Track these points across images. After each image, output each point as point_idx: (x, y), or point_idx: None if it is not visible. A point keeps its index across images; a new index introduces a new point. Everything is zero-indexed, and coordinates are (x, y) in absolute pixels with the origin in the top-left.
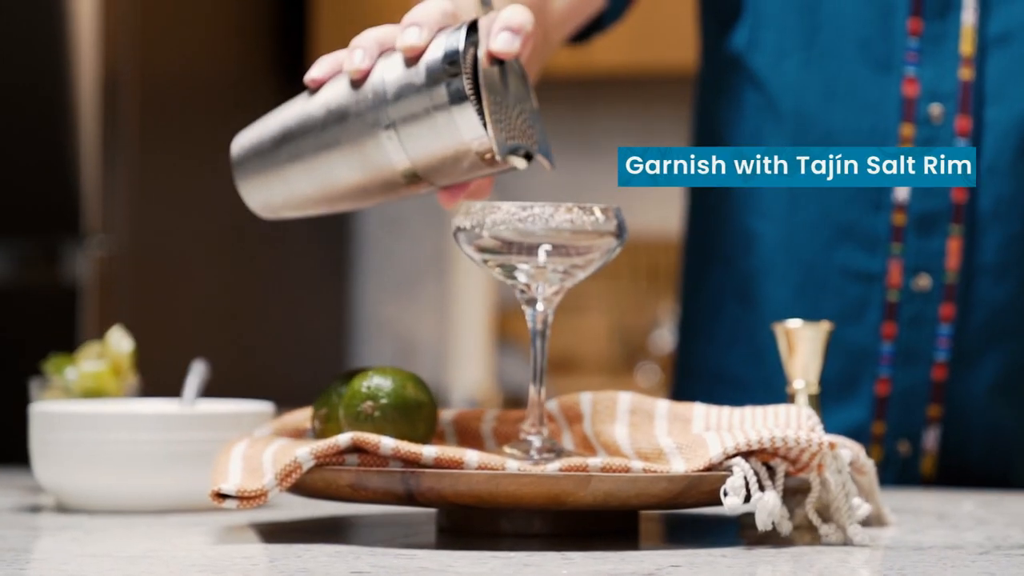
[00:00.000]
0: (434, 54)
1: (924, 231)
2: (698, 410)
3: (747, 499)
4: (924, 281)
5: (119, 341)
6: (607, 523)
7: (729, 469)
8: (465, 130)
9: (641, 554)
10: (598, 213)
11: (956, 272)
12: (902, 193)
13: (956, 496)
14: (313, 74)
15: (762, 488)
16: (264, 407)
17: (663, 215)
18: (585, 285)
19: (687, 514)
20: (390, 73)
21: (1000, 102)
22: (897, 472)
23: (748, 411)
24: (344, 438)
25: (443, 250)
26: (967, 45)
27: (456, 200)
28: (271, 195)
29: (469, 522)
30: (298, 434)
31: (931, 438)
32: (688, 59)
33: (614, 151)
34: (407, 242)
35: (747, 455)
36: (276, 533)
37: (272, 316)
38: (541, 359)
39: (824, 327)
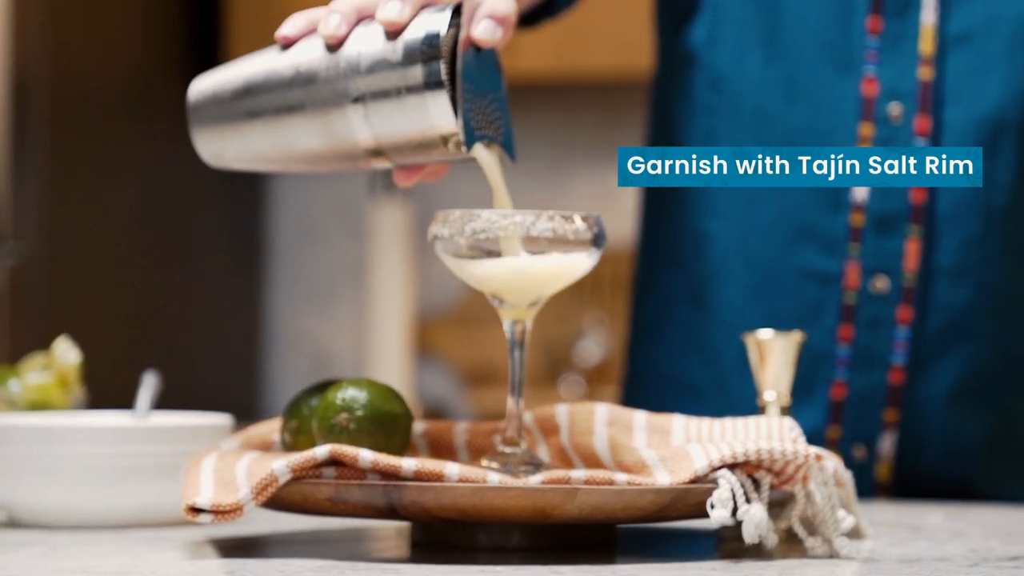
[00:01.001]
0: (414, 33)
1: (883, 232)
2: (677, 422)
3: (734, 512)
4: (882, 283)
5: (65, 352)
6: (585, 537)
7: (715, 481)
8: (435, 116)
9: (631, 568)
10: (579, 221)
11: (915, 274)
12: (860, 193)
13: (921, 508)
14: (285, 31)
15: (748, 500)
16: (223, 420)
17: None
18: None
19: (663, 528)
20: (366, 45)
21: (960, 102)
22: (853, 478)
23: (728, 423)
24: (322, 451)
25: (360, 259)
26: (927, 44)
27: (413, 179)
28: (224, 146)
29: (445, 536)
30: (265, 447)
31: (887, 443)
32: (610, 64)
33: (533, 157)
34: (322, 251)
35: (732, 467)
36: (247, 548)
37: (184, 327)
38: (519, 370)
39: (795, 337)
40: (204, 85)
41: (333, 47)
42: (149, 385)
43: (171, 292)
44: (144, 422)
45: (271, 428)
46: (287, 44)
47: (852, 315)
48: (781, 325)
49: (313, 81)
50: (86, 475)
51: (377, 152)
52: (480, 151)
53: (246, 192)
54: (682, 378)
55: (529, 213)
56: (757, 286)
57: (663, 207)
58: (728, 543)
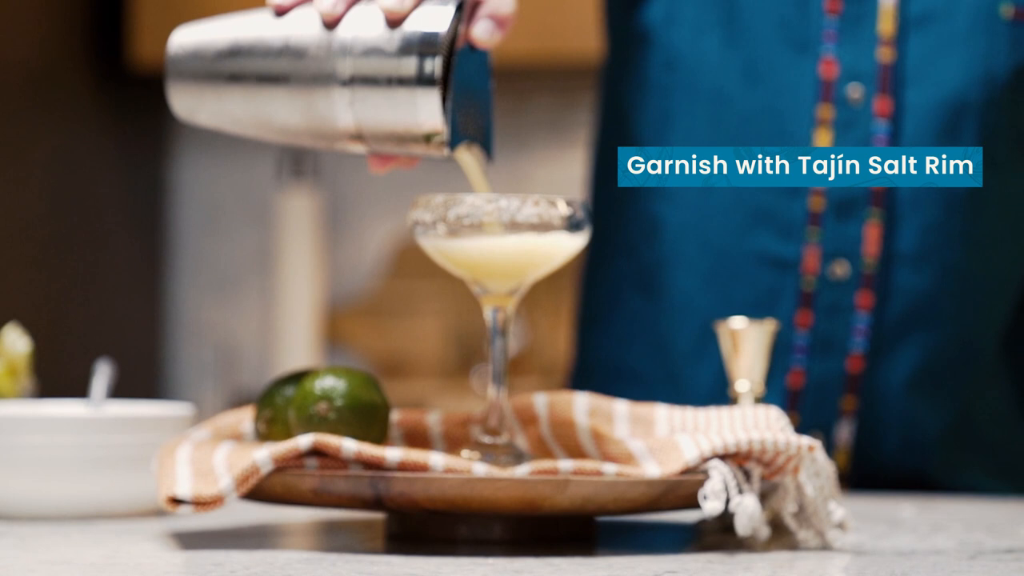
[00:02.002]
0: (414, 26)
1: (842, 216)
2: (660, 412)
3: (726, 503)
4: (841, 268)
5: (15, 341)
6: (565, 529)
7: (706, 472)
8: (423, 113)
9: (630, 560)
10: (562, 206)
11: (874, 259)
12: None
13: (886, 499)
14: None
15: (740, 492)
16: (184, 409)
17: None
18: (417, 284)
19: (642, 520)
20: (363, 29)
21: (921, 83)
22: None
23: (713, 413)
24: (305, 440)
25: (267, 247)
26: (886, 25)
27: (387, 167)
28: (198, 104)
29: (423, 528)
30: (235, 437)
31: (845, 432)
32: (560, 48)
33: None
34: (227, 240)
35: (722, 458)
36: (224, 540)
37: (84, 317)
38: (501, 359)
39: (769, 327)
40: (186, 39)
41: (329, 25)
42: (103, 374)
43: (70, 281)
44: (102, 412)
45: (240, 418)
46: (281, 12)
47: (811, 301)
48: (737, 312)
49: (302, 56)
50: (48, 466)
51: (355, 136)
52: (461, 153)
53: (148, 179)
54: (631, 367)
55: (514, 198)
56: (712, 272)
57: (612, 192)
58: (709, 536)
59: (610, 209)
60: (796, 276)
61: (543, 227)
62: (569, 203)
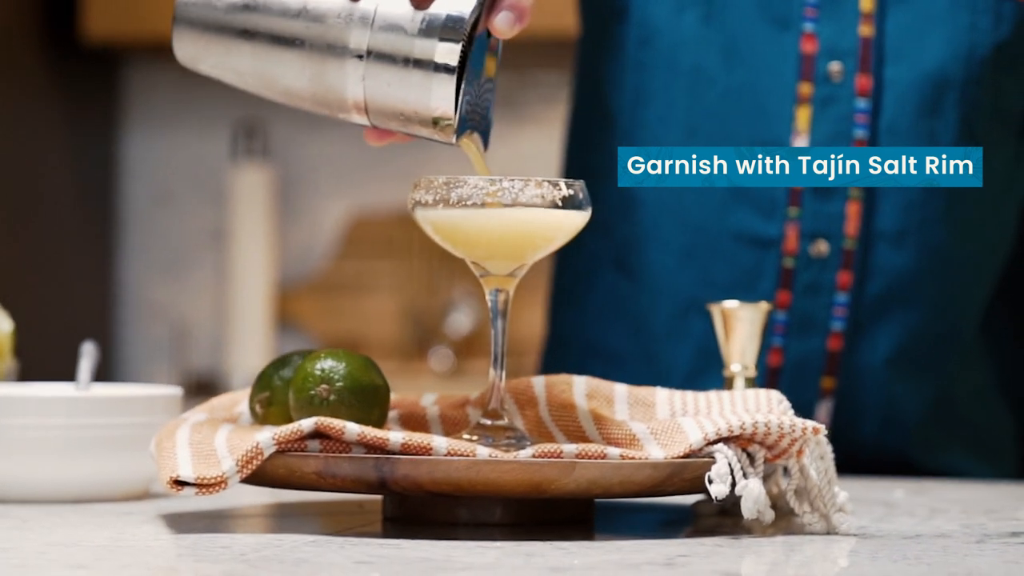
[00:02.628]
0: (439, 9)
1: (822, 195)
2: (661, 395)
3: (732, 486)
4: (822, 247)
5: None
6: (564, 512)
7: (710, 456)
8: (436, 98)
9: (638, 544)
10: (564, 187)
11: (855, 238)
12: None
13: (873, 482)
14: None
15: (745, 475)
16: (174, 391)
17: None
18: (371, 263)
19: (633, 503)
20: (385, 4)
21: (900, 60)
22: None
23: (713, 395)
24: (308, 423)
25: (219, 226)
26: (867, 1)
27: (385, 140)
28: (203, 54)
29: (422, 511)
30: (232, 420)
31: (823, 412)
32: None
33: None
34: (179, 217)
35: (725, 441)
36: (224, 522)
37: (32, 295)
38: (502, 341)
39: (763, 308)
40: None
41: None
42: (89, 356)
43: (18, 259)
44: (90, 393)
45: (234, 399)
46: None
47: (790, 280)
48: (715, 290)
49: (320, 21)
50: (39, 448)
51: (360, 109)
52: (464, 140)
53: (98, 154)
54: (604, 345)
55: (517, 179)
56: (690, 250)
57: (586, 169)
58: (705, 519)
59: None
60: (776, 255)
61: (545, 208)
62: (570, 185)
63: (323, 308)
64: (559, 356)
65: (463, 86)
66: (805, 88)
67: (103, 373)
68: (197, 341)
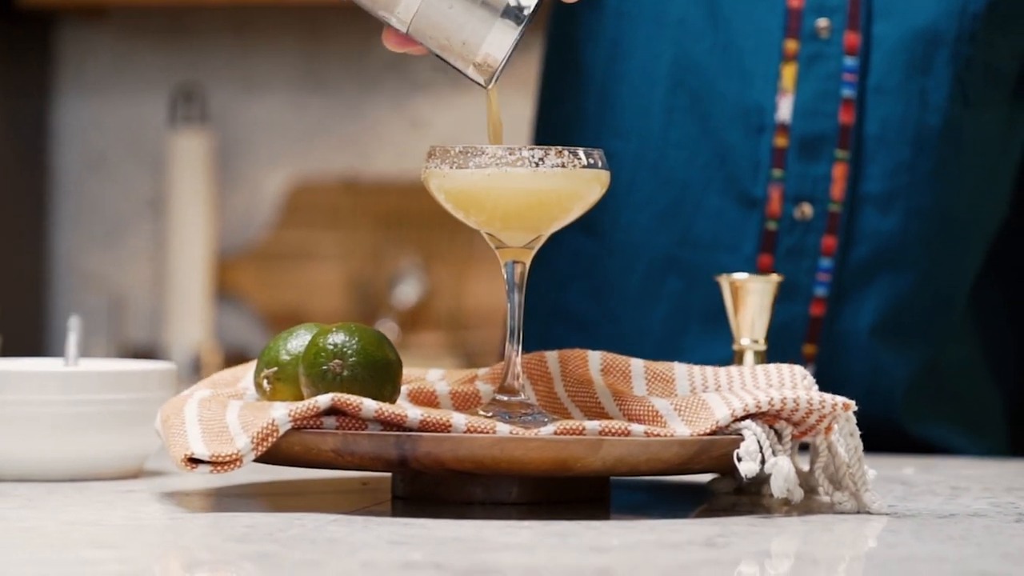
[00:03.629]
0: None
1: (808, 156)
2: (679, 369)
3: (761, 464)
4: (806, 210)
5: None
6: (582, 491)
7: (737, 432)
8: (491, 42)
9: (673, 523)
10: (583, 156)
11: (840, 201)
12: (785, 113)
13: (881, 460)
14: None
15: (774, 453)
16: (169, 366)
17: (403, 156)
18: (314, 232)
19: (647, 481)
20: None
21: (889, 17)
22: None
23: (735, 370)
24: (324, 399)
25: (157, 194)
26: None
27: (403, 49)
28: None
29: (434, 490)
30: (237, 396)
31: None
32: None
33: (343, 85)
34: (115, 184)
35: (752, 418)
36: (238, 501)
37: None
38: (518, 314)
39: (774, 279)
40: None
41: None
42: (76, 330)
43: None
44: (84, 368)
45: (236, 375)
46: None
47: (772, 244)
48: (695, 250)
49: None
50: (30, 425)
51: (407, 15)
52: (493, 89)
53: (31, 120)
54: (569, 309)
55: (537, 149)
56: (671, 208)
57: (558, 123)
58: (723, 497)
59: (555, 141)
60: (759, 216)
61: (565, 177)
62: (589, 154)
63: (264, 279)
64: (523, 323)
65: (518, 40)
66: (791, 45)
67: (38, 347)
68: (134, 313)
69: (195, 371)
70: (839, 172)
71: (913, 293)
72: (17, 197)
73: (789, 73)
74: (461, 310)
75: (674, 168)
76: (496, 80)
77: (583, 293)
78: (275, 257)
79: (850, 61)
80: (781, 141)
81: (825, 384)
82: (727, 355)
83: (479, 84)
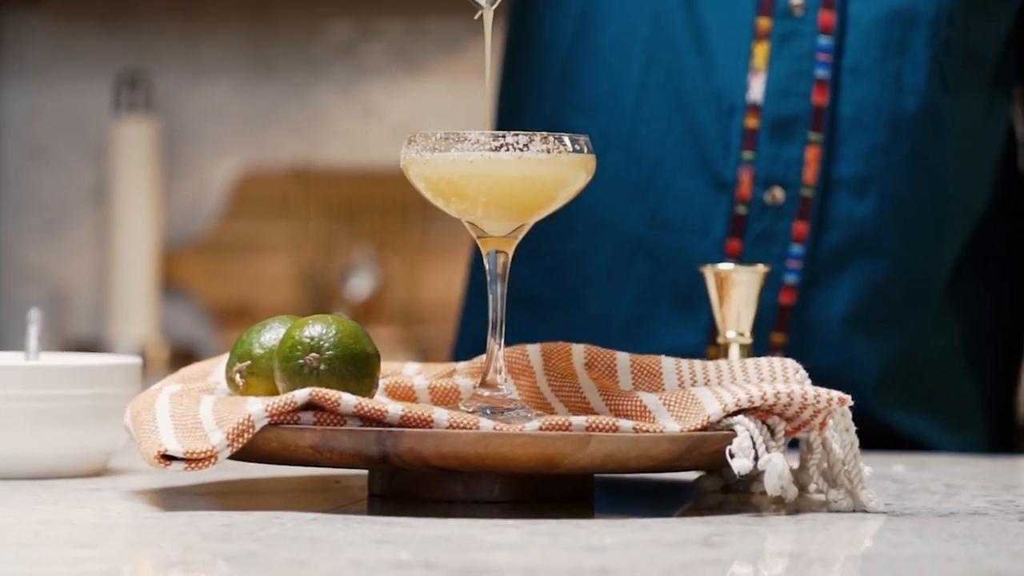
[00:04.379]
0: None
1: (780, 138)
2: (667, 363)
3: (754, 461)
4: (777, 194)
5: None
6: (565, 489)
7: (729, 428)
8: None
9: (667, 523)
10: (569, 142)
11: (813, 186)
12: (756, 94)
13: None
14: None
15: (767, 449)
16: (134, 360)
17: (355, 143)
18: (263, 223)
19: (630, 479)
20: None
21: None
22: None
23: (724, 364)
24: (301, 394)
25: (100, 183)
26: None
27: None
28: None
29: (413, 487)
30: (208, 391)
31: None
32: None
33: (292, 70)
34: (56, 173)
35: (745, 413)
36: (210, 499)
37: None
38: (500, 306)
39: (760, 270)
40: None
41: None
42: (36, 323)
43: None
44: (46, 362)
45: (206, 369)
46: None
47: (742, 228)
48: (665, 232)
49: None
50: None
51: None
52: (488, 12)
53: None
54: (526, 292)
55: (522, 134)
56: (641, 187)
57: (507, 100)
58: (710, 496)
59: (514, 117)
60: (729, 200)
61: (550, 164)
62: (575, 140)
63: (212, 271)
64: (477, 308)
65: None
66: (764, 23)
67: None
68: (76, 307)
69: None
70: (812, 155)
71: (888, 281)
72: None
73: (761, 52)
74: (415, 303)
75: (645, 146)
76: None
77: (537, 273)
78: (223, 249)
79: (824, 40)
80: (752, 122)
81: None
82: (696, 342)
83: (479, 4)
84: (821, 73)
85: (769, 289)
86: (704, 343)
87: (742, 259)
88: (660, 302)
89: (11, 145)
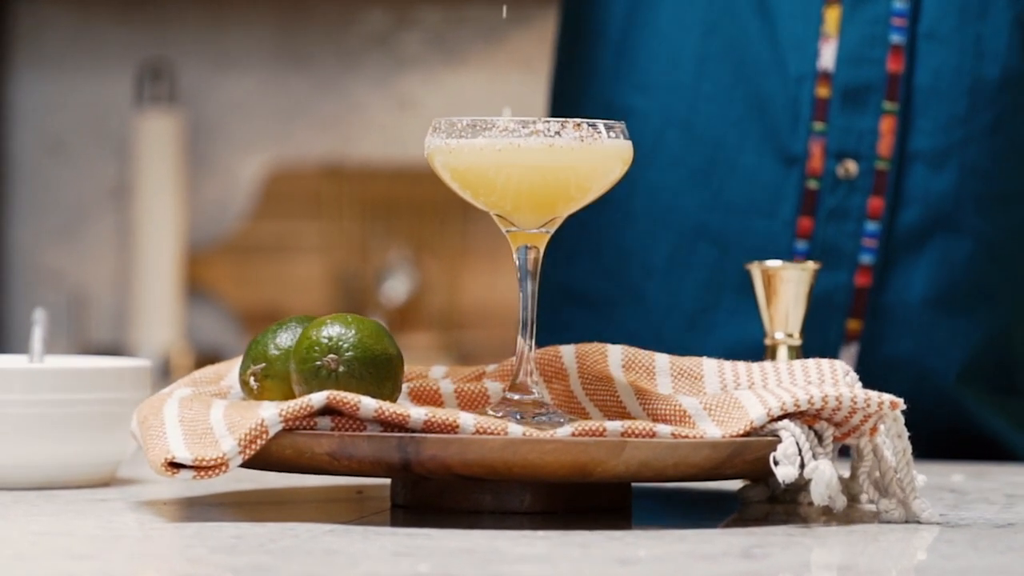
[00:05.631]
0: None
1: (853, 107)
2: (708, 365)
3: (801, 468)
4: (850, 167)
5: None
6: (602, 498)
7: (774, 434)
8: None
9: (702, 534)
10: (604, 129)
11: (888, 158)
12: (827, 60)
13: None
14: None
15: (814, 456)
16: (144, 363)
17: (391, 138)
18: (294, 222)
19: (671, 489)
20: None
21: None
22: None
23: (769, 366)
24: (318, 397)
25: (121, 181)
26: None
27: None
28: None
29: (438, 497)
30: (221, 395)
31: (849, 358)
32: None
33: (324, 61)
34: (75, 171)
35: (790, 417)
36: (219, 510)
37: None
38: (531, 305)
39: (810, 267)
40: None
41: None
42: (41, 324)
43: None
44: (51, 365)
45: (219, 372)
46: None
47: (813, 204)
48: (729, 214)
49: None
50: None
51: None
52: None
53: None
54: (582, 288)
55: (553, 121)
56: (703, 167)
57: (563, 90)
58: (755, 506)
59: (570, 104)
60: (799, 174)
61: (583, 152)
62: (611, 127)
63: (239, 274)
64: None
65: None
66: None
67: None
68: (97, 312)
69: (164, 375)
70: (887, 126)
71: (969, 259)
72: None
73: (833, 16)
74: (455, 308)
75: (706, 124)
76: None
77: (594, 269)
78: (251, 250)
79: (900, 4)
80: (823, 91)
81: (869, 365)
82: (755, 334)
83: None
84: (896, 38)
85: (843, 270)
86: None
87: (813, 239)
88: (725, 291)
89: (28, 140)
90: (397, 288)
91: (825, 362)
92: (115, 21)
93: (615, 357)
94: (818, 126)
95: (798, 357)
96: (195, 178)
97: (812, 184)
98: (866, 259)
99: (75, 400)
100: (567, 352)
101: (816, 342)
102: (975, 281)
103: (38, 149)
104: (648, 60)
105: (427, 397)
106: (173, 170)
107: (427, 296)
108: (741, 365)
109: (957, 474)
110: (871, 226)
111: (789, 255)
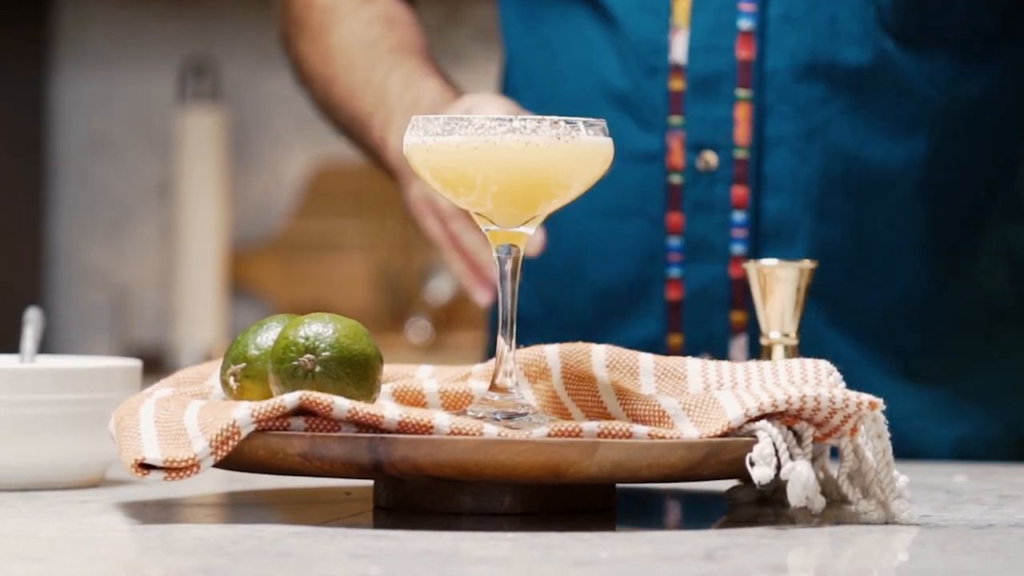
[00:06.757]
0: None
1: (706, 98)
2: (692, 365)
3: (777, 469)
4: (710, 159)
5: None
6: (583, 499)
7: (751, 434)
8: None
9: (672, 535)
10: (583, 127)
11: (747, 147)
12: (679, 52)
13: (931, 468)
14: None
15: (792, 457)
16: (133, 363)
17: None
18: (339, 221)
19: (660, 490)
20: None
21: None
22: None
23: (753, 365)
24: (291, 398)
25: (165, 178)
26: None
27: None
28: None
29: (420, 499)
30: (202, 396)
31: (738, 349)
32: None
33: None
34: (118, 168)
35: (769, 418)
36: (189, 511)
37: None
38: (511, 304)
39: (806, 266)
40: None
41: None
42: (34, 324)
43: None
44: (38, 365)
45: (203, 373)
46: None
47: (679, 199)
48: (601, 217)
49: None
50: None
51: None
52: None
53: (25, 97)
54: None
55: (530, 118)
56: None
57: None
58: (743, 508)
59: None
60: (661, 170)
61: (562, 150)
62: (589, 125)
63: (283, 272)
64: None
65: None
66: None
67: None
68: (140, 310)
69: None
70: (742, 113)
71: (842, 244)
72: (12, 184)
73: (682, 7)
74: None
75: None
76: None
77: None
78: (295, 248)
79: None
80: (677, 84)
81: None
82: (647, 334)
83: None
84: (746, 24)
85: (717, 262)
86: (662, 333)
87: (685, 234)
88: (611, 295)
89: (71, 138)
90: (442, 287)
91: (809, 362)
92: (158, 18)
93: (599, 357)
94: (675, 120)
95: (794, 355)
96: (239, 175)
97: (675, 179)
98: (738, 249)
99: (63, 400)
100: (551, 352)
101: (702, 337)
102: (850, 266)
103: (82, 147)
104: (529, 76)
105: (410, 398)
106: (217, 167)
107: (464, 296)
108: (725, 365)
109: (960, 475)
110: (739, 216)
111: (664, 252)
